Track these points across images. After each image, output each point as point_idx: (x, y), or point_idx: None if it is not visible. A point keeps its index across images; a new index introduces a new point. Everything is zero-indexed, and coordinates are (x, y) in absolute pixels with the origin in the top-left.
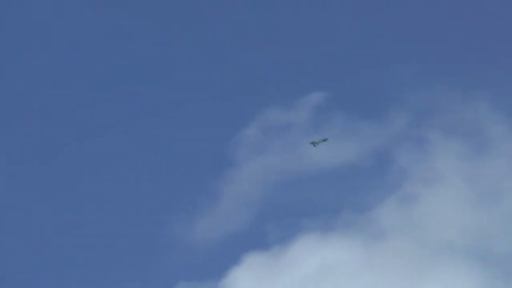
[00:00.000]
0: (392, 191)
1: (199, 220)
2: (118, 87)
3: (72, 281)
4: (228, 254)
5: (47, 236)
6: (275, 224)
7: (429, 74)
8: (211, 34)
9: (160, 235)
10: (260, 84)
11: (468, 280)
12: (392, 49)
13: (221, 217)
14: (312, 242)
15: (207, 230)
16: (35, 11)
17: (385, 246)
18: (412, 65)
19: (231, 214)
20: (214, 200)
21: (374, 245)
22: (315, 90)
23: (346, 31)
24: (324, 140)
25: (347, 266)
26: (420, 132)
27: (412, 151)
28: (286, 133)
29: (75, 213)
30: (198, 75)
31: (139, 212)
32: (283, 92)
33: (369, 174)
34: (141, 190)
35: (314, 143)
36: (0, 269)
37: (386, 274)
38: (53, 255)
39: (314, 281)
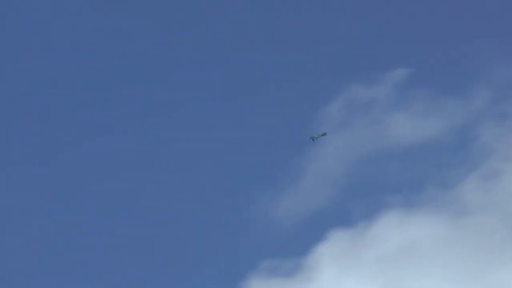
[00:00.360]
0: (475, 167)
1: (282, 197)
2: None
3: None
4: (312, 231)
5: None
6: (359, 200)
7: None
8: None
9: (244, 212)
10: (344, 61)
11: None
12: (475, 24)
13: (304, 194)
14: (396, 218)
15: (291, 207)
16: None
17: (468, 223)
18: (495, 39)
19: (315, 191)
20: (297, 177)
21: (457, 221)
22: (399, 66)
23: (430, 6)
24: (323, 135)
25: (430, 242)
26: (504, 108)
27: (495, 127)
28: (369, 109)
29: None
30: (282, 55)
31: (223, 190)
32: (366, 69)
33: (452, 150)
34: (224, 168)
35: (313, 138)
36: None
37: (469, 250)
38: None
39: (398, 258)
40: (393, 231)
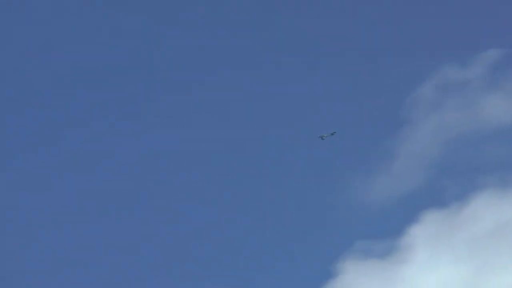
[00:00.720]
0: None
1: (375, 179)
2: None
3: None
4: (405, 212)
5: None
6: (452, 181)
7: None
8: None
9: (338, 195)
10: (436, 42)
11: None
12: None
13: (397, 176)
14: (490, 198)
15: (384, 188)
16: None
17: None
18: None
19: (408, 172)
20: (390, 159)
21: None
22: (492, 46)
23: None
24: (332, 133)
25: None
26: None
27: None
28: (462, 90)
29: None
30: (376, 34)
31: (317, 173)
32: (459, 49)
33: None
34: (318, 151)
35: (322, 137)
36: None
37: None
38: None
39: (492, 238)
40: (487, 211)
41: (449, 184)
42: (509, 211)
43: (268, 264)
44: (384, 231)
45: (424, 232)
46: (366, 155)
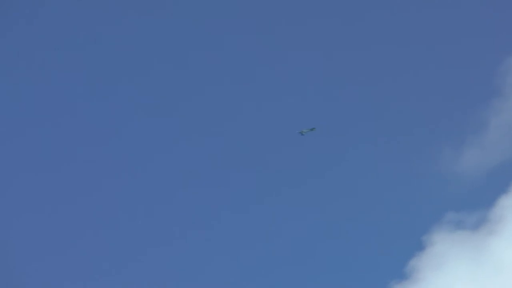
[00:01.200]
0: None
1: (466, 150)
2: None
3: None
4: (497, 183)
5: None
6: None
7: None
8: None
9: (429, 166)
10: None
11: None
12: None
13: (488, 147)
14: None
15: (475, 160)
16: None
17: None
18: None
19: (499, 143)
20: (481, 130)
21: None
22: None
23: None
24: (312, 129)
25: None
26: None
27: None
28: None
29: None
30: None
31: (407, 144)
32: None
33: None
34: (408, 120)
35: (302, 132)
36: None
37: None
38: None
39: None
40: None
41: None
42: None
43: (359, 236)
44: (475, 202)
45: None
46: (457, 126)
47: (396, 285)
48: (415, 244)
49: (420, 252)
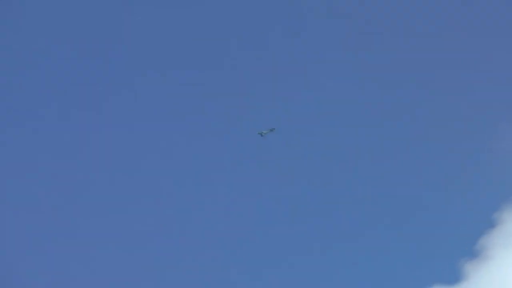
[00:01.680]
0: None
1: None
2: None
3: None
4: None
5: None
6: None
7: None
8: None
9: (498, 144)
10: None
11: None
12: None
13: None
14: None
15: None
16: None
17: None
18: None
19: None
20: None
21: None
22: None
23: None
24: (271, 130)
25: None
26: None
27: None
28: None
29: None
30: None
31: (476, 122)
32: None
33: None
34: (478, 101)
35: (261, 133)
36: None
37: None
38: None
39: None
40: None
41: None
42: None
43: (430, 214)
44: None
45: None
46: None
47: (466, 263)
48: (485, 222)
49: (490, 230)
